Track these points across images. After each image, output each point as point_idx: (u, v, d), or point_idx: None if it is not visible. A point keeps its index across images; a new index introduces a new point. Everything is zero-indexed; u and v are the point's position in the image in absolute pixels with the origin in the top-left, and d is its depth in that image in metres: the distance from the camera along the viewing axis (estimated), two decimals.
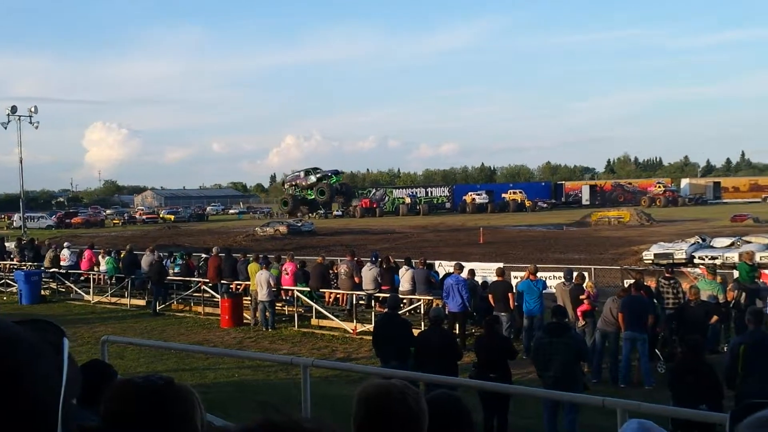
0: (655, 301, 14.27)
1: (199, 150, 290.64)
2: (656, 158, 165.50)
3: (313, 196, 46.08)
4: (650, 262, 26.91)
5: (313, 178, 46.95)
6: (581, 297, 14.04)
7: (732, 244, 27.07)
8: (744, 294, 14.34)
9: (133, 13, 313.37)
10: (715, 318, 13.52)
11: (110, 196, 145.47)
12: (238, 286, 20.20)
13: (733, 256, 22.52)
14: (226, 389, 11.67)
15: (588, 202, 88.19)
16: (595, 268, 21.57)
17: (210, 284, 20.73)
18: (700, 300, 13.23)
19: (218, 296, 19.99)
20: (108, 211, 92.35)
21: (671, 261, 24.95)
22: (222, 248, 24.12)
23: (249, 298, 19.22)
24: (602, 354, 13.14)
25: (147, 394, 1.69)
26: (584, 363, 11.35)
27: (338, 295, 19.34)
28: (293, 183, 48.03)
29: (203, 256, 23.27)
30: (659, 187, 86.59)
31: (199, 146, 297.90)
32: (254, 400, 11.08)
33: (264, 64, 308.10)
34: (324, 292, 19.34)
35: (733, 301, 14.38)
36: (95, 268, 24.20)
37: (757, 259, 22.86)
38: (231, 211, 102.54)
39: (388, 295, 14.77)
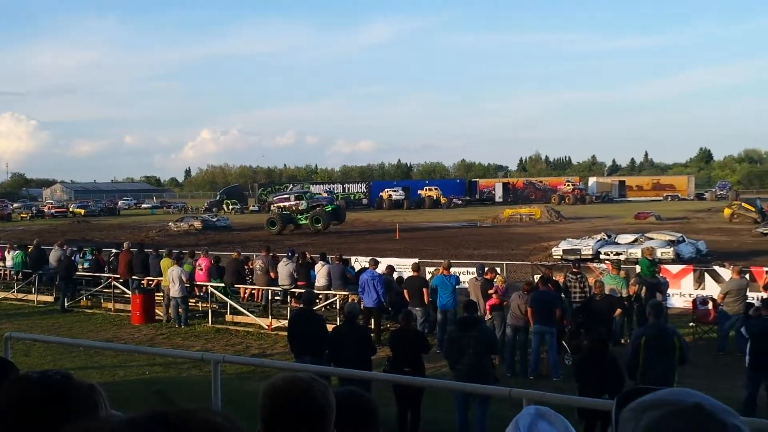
0: (563, 295, 14.74)
1: (112, 143, 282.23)
2: (566, 157, 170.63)
3: (304, 222, 44.46)
4: (559, 257, 27.77)
5: (304, 204, 45.24)
6: (489, 291, 14.35)
7: (635, 241, 28.20)
8: (644, 288, 14.98)
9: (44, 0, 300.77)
10: (618, 311, 14.06)
11: (18, 190, 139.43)
12: (150, 282, 19.76)
13: (637, 252, 23.44)
14: (136, 387, 11.42)
15: (501, 200, 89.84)
16: (507, 264, 22.02)
17: (120, 280, 20.22)
18: (604, 294, 13.76)
19: (129, 292, 19.52)
20: (15, 205, 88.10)
21: (579, 256, 25.81)
22: (134, 243, 23.53)
23: (161, 294, 18.84)
24: (514, 348, 13.46)
25: (43, 389, 1.62)
26: (495, 356, 11.62)
27: (253, 291, 19.17)
28: (281, 205, 46.22)
29: (114, 251, 22.67)
30: (568, 185, 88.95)
31: (111, 139, 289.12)
32: (152, 390, 10.92)
33: (181, 56, 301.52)
34: (239, 288, 19.14)
35: (634, 295, 15.01)
36: (1, 263, 23.27)
37: (659, 254, 23.92)
38: (144, 205, 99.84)
39: (303, 290, 14.73)
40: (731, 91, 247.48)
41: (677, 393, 1.14)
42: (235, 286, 18.88)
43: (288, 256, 18.28)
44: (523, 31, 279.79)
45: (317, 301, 16.17)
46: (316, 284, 16.95)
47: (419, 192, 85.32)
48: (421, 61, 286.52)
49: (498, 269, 19.36)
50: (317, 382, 2.08)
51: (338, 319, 15.37)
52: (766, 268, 16.86)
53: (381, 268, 17.00)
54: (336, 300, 16.84)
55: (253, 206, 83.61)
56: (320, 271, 17.17)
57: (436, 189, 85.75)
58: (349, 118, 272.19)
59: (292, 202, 46.10)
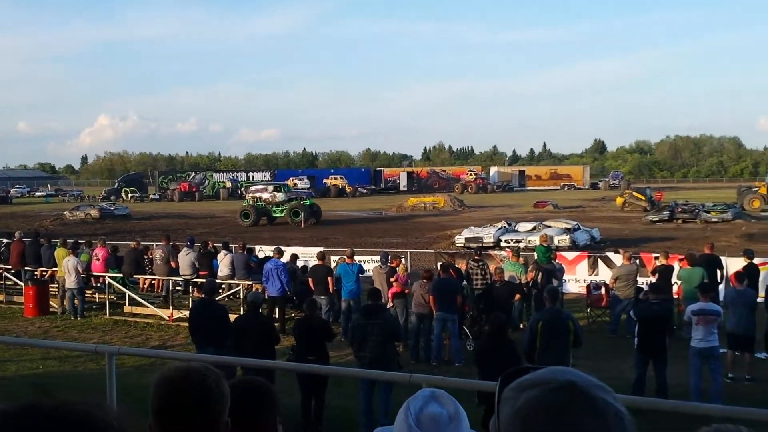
0: (465, 282, 15.06)
1: (3, 129, 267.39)
2: (468, 147, 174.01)
3: (279, 214, 43.22)
4: (462, 245, 28.28)
5: (282, 196, 44.10)
6: (391, 280, 14.52)
7: (534, 229, 29.04)
8: (541, 274, 15.50)
9: None
10: (517, 297, 14.50)
11: None
12: (44, 273, 19.00)
13: (535, 240, 24.15)
14: (29, 382, 11.00)
15: (406, 188, 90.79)
16: (410, 252, 22.29)
17: (12, 271, 19.35)
18: (504, 280, 14.14)
19: (21, 284, 18.71)
20: None
21: (480, 244, 26.33)
22: (27, 232, 22.52)
23: (56, 285, 18.15)
24: (419, 334, 13.65)
25: None
26: (399, 343, 11.79)
27: (153, 281, 18.75)
28: (255, 195, 44.76)
29: (5, 241, 21.66)
30: (471, 174, 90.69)
31: (2, 125, 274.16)
32: (31, 384, 10.55)
33: (78, 38, 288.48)
34: (138, 278, 18.67)
35: (531, 281, 15.50)
36: None
37: (556, 242, 24.76)
38: (38, 193, 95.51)
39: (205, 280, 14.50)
40: (623, 83, 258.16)
41: (553, 372, 1.18)
42: (134, 276, 18.41)
43: (188, 245, 17.94)
44: (425, 19, 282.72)
45: (220, 290, 15.97)
46: (219, 274, 16.72)
47: (324, 181, 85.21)
48: (324, 48, 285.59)
49: (402, 257, 19.58)
50: (211, 371, 2.04)
51: (242, 308, 15.21)
52: (654, 254, 17.68)
53: (286, 257, 16.90)
54: (239, 290, 16.66)
55: (154, 194, 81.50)
56: (223, 261, 16.95)
57: (341, 178, 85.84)
58: (253, 105, 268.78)
59: (269, 194, 45.04)
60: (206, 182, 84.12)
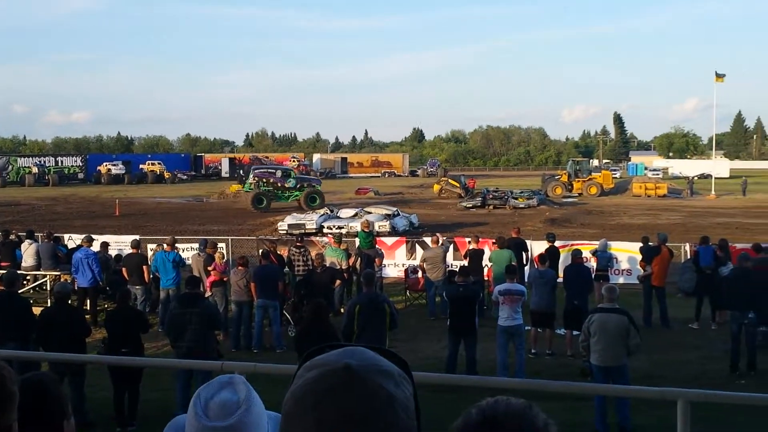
0: (287, 268, 15.10)
1: None
2: (291, 134, 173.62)
3: (284, 200, 39.87)
4: (284, 232, 28.28)
5: (292, 182, 40.61)
6: (208, 268, 14.29)
7: (356, 215, 29.63)
8: (360, 259, 15.86)
9: None
10: (338, 282, 14.74)
11: None
12: None
13: (357, 226, 24.63)
14: None
15: (228, 175, 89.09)
16: (232, 239, 21.98)
17: None
18: (325, 266, 14.32)
19: None
20: None
21: (303, 231, 26.49)
22: None
23: None
24: (239, 322, 13.52)
25: None
26: (218, 331, 11.62)
27: None
28: (262, 179, 40.67)
29: None
30: (294, 161, 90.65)
31: None
32: None
33: None
34: None
35: (352, 266, 15.83)
36: None
37: (376, 227, 25.34)
38: None
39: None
40: (441, 75, 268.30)
41: (336, 354, 1.19)
42: None
43: None
44: (248, 4, 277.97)
45: (24, 282, 14.98)
46: (23, 264, 15.71)
47: (141, 166, 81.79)
48: (137, 29, 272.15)
49: (223, 245, 19.28)
50: None
51: (49, 301, 14.35)
52: (467, 239, 18.58)
53: (96, 246, 16.12)
54: (46, 281, 15.69)
55: None
56: (27, 250, 15.91)
57: (159, 163, 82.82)
58: (61, 86, 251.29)
59: (278, 178, 41.87)
60: (9, 167, 77.98)
